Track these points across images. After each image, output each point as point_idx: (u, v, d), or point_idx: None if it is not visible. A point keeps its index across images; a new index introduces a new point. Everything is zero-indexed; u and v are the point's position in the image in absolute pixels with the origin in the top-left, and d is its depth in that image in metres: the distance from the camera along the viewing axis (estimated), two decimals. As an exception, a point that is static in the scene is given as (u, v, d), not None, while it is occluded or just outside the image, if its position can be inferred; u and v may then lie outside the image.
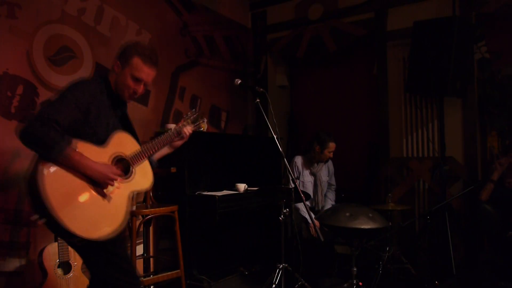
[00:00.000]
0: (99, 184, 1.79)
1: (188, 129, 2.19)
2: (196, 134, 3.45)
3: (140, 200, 3.42)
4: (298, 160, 3.76)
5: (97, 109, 1.83)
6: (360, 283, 2.85)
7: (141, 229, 3.37)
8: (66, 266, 2.66)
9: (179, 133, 2.16)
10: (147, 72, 1.94)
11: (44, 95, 2.83)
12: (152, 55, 1.95)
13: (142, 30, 3.61)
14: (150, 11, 3.69)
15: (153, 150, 2.03)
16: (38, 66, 2.83)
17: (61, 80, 2.94)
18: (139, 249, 3.39)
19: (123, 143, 1.93)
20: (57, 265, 2.63)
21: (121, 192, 1.87)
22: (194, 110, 2.29)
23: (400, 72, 4.04)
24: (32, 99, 2.79)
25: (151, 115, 3.69)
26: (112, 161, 1.87)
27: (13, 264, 2.67)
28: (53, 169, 1.68)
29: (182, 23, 4.04)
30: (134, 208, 3.01)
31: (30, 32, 2.80)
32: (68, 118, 1.72)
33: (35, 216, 1.65)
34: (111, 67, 1.96)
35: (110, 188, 1.83)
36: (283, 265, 2.86)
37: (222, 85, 4.49)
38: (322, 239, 2.44)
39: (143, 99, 3.62)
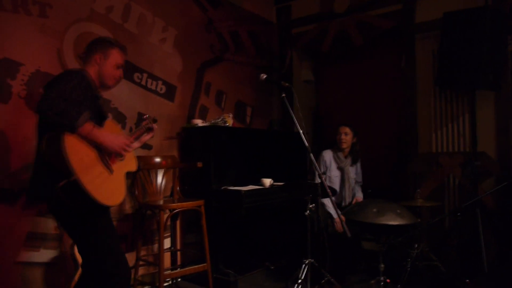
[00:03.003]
0: (106, 159, 1.98)
1: (154, 126, 2.36)
2: (221, 129, 3.53)
3: (167, 194, 3.47)
4: (327, 154, 3.74)
5: (90, 99, 1.99)
6: (388, 280, 2.80)
7: (168, 223, 3.42)
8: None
9: (149, 129, 2.35)
10: (123, 58, 2.22)
11: (75, 92, 2.88)
12: (120, 44, 2.24)
13: (168, 26, 3.64)
14: (176, 7, 3.71)
15: (136, 139, 2.28)
16: (69, 64, 2.89)
17: (91, 77, 2.99)
18: (167, 243, 3.45)
19: (113, 129, 2.14)
20: (88, 257, 2.70)
21: (120, 170, 2.10)
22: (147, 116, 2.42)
23: (430, 65, 3.92)
24: (63, 96, 2.86)
25: (178, 110, 3.72)
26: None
27: (47, 255, 2.76)
28: (74, 139, 1.83)
29: (207, 19, 4.04)
30: (162, 202, 3.05)
31: (60, 31, 2.86)
32: (77, 99, 1.87)
33: (62, 182, 1.77)
34: (87, 62, 2.14)
35: (112, 164, 2.02)
36: (309, 261, 2.85)
37: (248, 80, 4.49)
38: (348, 235, 2.40)
39: (170, 95, 3.66)
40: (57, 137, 1.78)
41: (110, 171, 2.00)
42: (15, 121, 2.63)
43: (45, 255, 2.75)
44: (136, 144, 2.32)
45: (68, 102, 1.79)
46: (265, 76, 2.57)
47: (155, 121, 2.38)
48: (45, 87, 1.88)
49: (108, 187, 1.94)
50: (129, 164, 2.20)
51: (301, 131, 2.45)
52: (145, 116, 2.38)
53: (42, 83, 2.75)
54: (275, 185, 3.49)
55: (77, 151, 1.82)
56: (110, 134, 1.97)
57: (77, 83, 1.90)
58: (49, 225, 2.77)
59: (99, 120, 2.10)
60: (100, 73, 2.13)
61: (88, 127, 1.85)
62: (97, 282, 1.97)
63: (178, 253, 3.58)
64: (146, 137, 2.36)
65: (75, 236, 2.03)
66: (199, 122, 3.64)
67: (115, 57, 2.16)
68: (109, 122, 2.15)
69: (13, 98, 2.62)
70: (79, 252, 2.04)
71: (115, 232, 2.12)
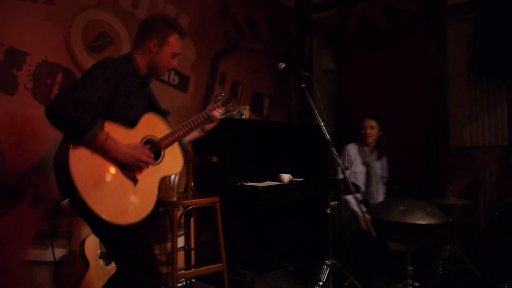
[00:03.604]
0: (130, 168, 1.82)
1: (218, 111, 2.20)
2: (237, 122, 3.49)
3: (180, 190, 3.45)
4: (351, 148, 3.71)
5: (126, 91, 1.84)
6: (417, 284, 2.73)
7: (182, 220, 3.40)
8: (107, 257, 2.72)
9: (209, 116, 2.17)
10: (181, 46, 2.03)
11: (84, 83, 2.87)
12: (182, 29, 2.02)
13: (181, 13, 3.59)
14: (189, -8, 3.68)
15: (183, 133, 2.05)
16: (77, 53, 2.88)
17: (100, 67, 2.97)
18: (180, 241, 3.43)
19: (152, 125, 1.96)
20: (98, 256, 2.70)
21: (152, 177, 1.90)
22: (222, 93, 2.29)
23: (463, 51, 3.79)
24: (72, 87, 2.85)
25: (191, 102, 3.70)
26: (141, 144, 1.90)
27: (56, 254, 2.76)
28: (83, 151, 1.71)
29: (222, 5, 3.99)
30: (175, 199, 3.03)
31: (67, 18, 2.84)
32: (100, 100, 1.73)
33: (65, 201, 1.68)
34: (139, 47, 1.97)
35: (141, 171, 1.86)
36: (331, 262, 2.83)
37: (265, 69, 4.44)
38: (374, 234, 2.35)
39: (183, 86, 3.63)
40: (65, 148, 1.68)
41: (134, 181, 1.84)
42: (22, 114, 2.63)
43: (54, 253, 2.75)
44: (194, 135, 2.20)
45: (83, 109, 1.65)
46: (283, 65, 2.53)
47: (226, 102, 2.21)
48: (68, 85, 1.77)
49: (125, 203, 1.79)
50: (169, 166, 1.99)
51: (322, 124, 2.41)
52: (214, 101, 2.21)
53: (49, 73, 2.76)
54: (294, 181, 3.45)
55: (85, 165, 1.70)
56: (125, 146, 1.79)
57: (105, 81, 1.74)
58: (58, 222, 2.77)
59: (152, 108, 2.00)
60: (152, 62, 1.97)
61: (100, 139, 1.70)
62: None
63: (192, 252, 3.57)
64: (209, 126, 2.21)
65: (104, 243, 1.97)
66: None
67: (172, 45, 1.97)
68: (147, 117, 1.94)
69: (20, 90, 2.62)
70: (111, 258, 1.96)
71: (146, 239, 1.97)
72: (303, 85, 2.47)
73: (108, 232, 1.84)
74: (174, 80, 3.55)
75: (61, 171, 1.69)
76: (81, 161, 1.69)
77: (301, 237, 3.90)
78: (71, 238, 2.82)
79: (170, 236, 3.43)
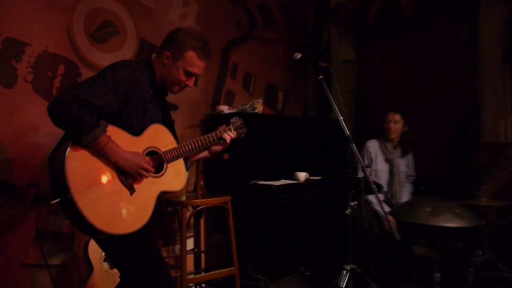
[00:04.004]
0: (128, 176, 1.83)
1: (230, 135, 2.21)
2: (250, 116, 3.46)
3: (190, 189, 3.45)
4: (372, 144, 3.68)
5: (136, 99, 1.84)
6: (445, 292, 2.67)
7: (191, 221, 3.41)
8: (112, 260, 2.72)
9: (219, 138, 2.18)
10: (201, 66, 1.99)
11: (87, 75, 2.87)
12: (206, 48, 1.98)
13: (189, 0, 3.58)
14: (198, -22, 3.65)
15: (190, 149, 2.05)
16: (79, 43, 2.87)
17: (103, 58, 2.98)
18: (190, 243, 3.44)
19: (158, 137, 1.96)
20: (103, 259, 2.71)
21: (150, 189, 1.90)
22: (237, 117, 2.34)
23: (497, 37, 3.70)
24: (74, 80, 2.85)
25: (201, 95, 3.68)
26: (144, 153, 1.90)
27: (59, 256, 2.78)
28: (82, 151, 1.72)
29: (233, -9, 3.98)
30: (184, 198, 3.03)
31: (69, 6, 2.84)
32: (105, 105, 1.74)
33: (55, 200, 1.69)
34: (157, 56, 1.98)
35: (140, 182, 1.86)
36: (350, 267, 2.80)
37: (279, 60, 4.42)
38: (397, 237, 2.30)
39: (192, 78, 3.61)
40: (64, 147, 1.69)
41: (131, 190, 1.84)
42: (21, 108, 2.64)
43: (56, 256, 2.77)
44: (201, 155, 2.19)
45: (86, 110, 1.66)
46: (299, 55, 2.49)
47: (239, 127, 2.27)
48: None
49: (117, 211, 1.77)
50: (170, 181, 1.97)
51: (341, 118, 2.37)
52: (229, 125, 2.24)
53: (50, 65, 2.76)
54: (311, 179, 3.44)
55: (81, 166, 1.70)
56: (126, 151, 1.80)
57: (113, 87, 1.75)
58: (60, 223, 2.78)
59: (164, 122, 2.02)
60: (164, 74, 1.96)
61: (101, 142, 1.71)
62: None
63: (202, 255, 3.57)
64: (216, 148, 2.19)
65: (105, 249, 1.97)
66: (225, 109, 3.62)
67: (187, 62, 1.94)
68: (154, 128, 1.95)
69: (19, 83, 2.63)
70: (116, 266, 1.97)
71: (152, 241, 1.97)
72: (321, 76, 2.42)
73: (106, 240, 1.83)
74: (182, 72, 3.53)
75: (55, 168, 1.69)
76: (78, 161, 1.70)
77: (319, 240, 3.88)
78: (73, 240, 2.83)
79: (178, 238, 3.43)
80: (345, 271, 2.79)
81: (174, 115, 3.45)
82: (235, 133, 2.25)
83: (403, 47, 4.68)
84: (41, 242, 2.66)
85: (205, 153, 2.23)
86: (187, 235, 3.30)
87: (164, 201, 3.04)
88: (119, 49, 3.09)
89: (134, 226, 1.80)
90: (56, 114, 1.65)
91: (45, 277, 2.70)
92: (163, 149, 1.96)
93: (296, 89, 4.63)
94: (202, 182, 3.37)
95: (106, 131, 1.73)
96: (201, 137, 2.11)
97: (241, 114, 3.43)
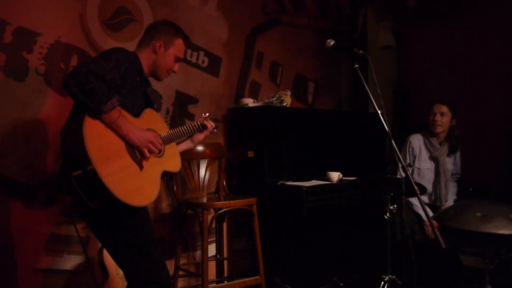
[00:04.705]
0: (137, 152, 2.03)
1: (210, 123, 2.49)
2: (277, 110, 3.47)
3: (211, 190, 3.48)
4: (415, 140, 3.63)
5: (131, 82, 2.06)
6: (497, 308, 2.62)
7: (213, 225, 3.43)
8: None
9: (203, 126, 2.47)
10: (184, 52, 2.36)
11: (101, 66, 2.93)
12: (186, 35, 2.34)
13: (211, -17, 3.61)
14: (219, -41, 3.68)
15: (183, 132, 2.36)
16: (93, 32, 2.94)
17: (119, 48, 3.02)
18: (211, 249, 3.47)
19: (154, 120, 2.22)
20: (118, 265, 2.75)
21: (155, 167, 2.11)
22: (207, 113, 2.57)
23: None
24: (87, 72, 2.91)
25: (223, 88, 3.71)
26: None
27: (71, 262, 2.85)
28: (98, 123, 1.89)
29: (259, -28, 3.99)
30: (205, 200, 3.05)
31: (83, -8, 2.92)
32: (112, 81, 1.93)
33: (77, 172, 1.80)
34: (143, 47, 2.22)
35: (147, 159, 2.06)
36: (389, 277, 2.76)
37: (309, 48, 4.40)
38: (443, 245, 2.27)
39: (214, 69, 3.64)
40: (80, 120, 1.84)
41: (140, 166, 2.03)
42: (33, 103, 2.71)
43: (69, 261, 2.85)
44: (185, 145, 2.50)
45: (101, 82, 1.84)
46: (332, 42, 2.49)
47: (215, 120, 2.51)
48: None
49: (133, 184, 1.96)
50: (170, 162, 2.22)
51: (379, 112, 2.34)
52: (204, 115, 2.51)
53: (63, 55, 2.82)
54: (344, 180, 3.43)
55: (98, 137, 1.86)
56: (137, 127, 2.01)
57: (116, 65, 1.96)
58: (73, 226, 2.84)
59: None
60: (155, 63, 2.24)
61: (114, 115, 1.90)
62: None
63: (225, 262, 3.60)
64: (199, 136, 2.49)
65: (104, 241, 2.09)
66: (249, 102, 3.63)
67: (177, 49, 2.27)
68: (149, 112, 2.21)
69: (30, 75, 2.71)
70: (114, 260, 2.11)
71: (151, 235, 2.12)
72: (356, 65, 2.41)
73: (106, 225, 1.99)
74: (203, 62, 3.57)
75: (71, 141, 1.84)
76: (96, 132, 1.86)
77: (353, 247, 3.86)
78: (87, 244, 2.90)
79: (199, 243, 3.47)
80: (383, 282, 2.75)
81: (194, 109, 3.49)
82: (213, 124, 2.52)
83: (451, 32, 4.57)
84: (54, 246, 2.75)
85: (188, 144, 2.53)
86: (209, 240, 3.33)
87: (184, 203, 3.08)
88: (135, 38, 3.10)
89: (148, 200, 2.00)
90: (75, 85, 1.79)
91: (57, 283, 2.78)
92: (159, 132, 2.20)
93: (328, 80, 4.61)
94: (224, 183, 3.39)
95: (119, 104, 1.92)
96: (186, 124, 2.42)
97: (267, 108, 3.45)
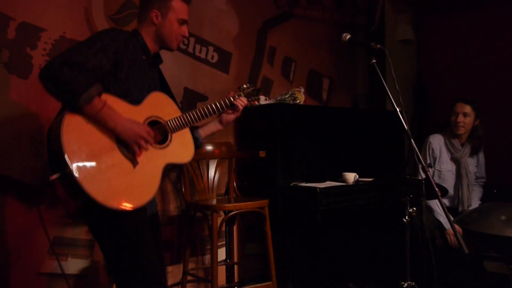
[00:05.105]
0: (128, 146, 1.92)
1: (242, 100, 2.32)
2: (290, 108, 3.47)
3: (221, 192, 3.49)
4: (436, 140, 3.62)
5: (130, 63, 1.97)
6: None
7: (223, 228, 3.44)
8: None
9: (231, 104, 2.30)
10: (187, 11, 2.20)
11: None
12: None
13: (221, -25, 3.63)
14: (229, -51, 3.70)
15: (196, 116, 2.18)
16: (98, 27, 2.97)
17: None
18: (221, 253, 3.48)
19: (160, 105, 2.09)
20: (125, 269, 2.78)
21: (154, 162, 1.99)
22: (248, 83, 2.45)
23: None
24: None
25: (234, 84, 3.72)
26: (145, 123, 2.00)
27: (76, 265, 2.88)
28: (78, 120, 1.81)
29: (271, -37, 4.00)
30: (215, 202, 3.06)
31: (87, -14, 2.94)
32: (97, 67, 1.85)
33: (55, 175, 1.77)
34: (141, 21, 2.14)
35: (142, 153, 1.95)
36: (408, 284, 2.75)
37: (324, 43, 4.42)
38: (466, 251, 2.27)
39: (224, 65, 3.66)
40: (60, 117, 1.80)
41: (133, 162, 1.93)
42: (37, 101, 2.74)
43: (74, 265, 2.88)
44: (212, 127, 2.35)
45: (76, 71, 1.77)
46: (348, 36, 2.49)
47: (254, 92, 2.37)
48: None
49: (121, 184, 1.87)
50: (177, 152, 2.10)
51: (397, 109, 2.34)
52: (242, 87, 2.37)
53: (67, 52, 2.85)
54: (361, 181, 3.44)
55: (79, 135, 1.80)
56: (128, 119, 1.90)
57: (102, 48, 1.88)
58: (79, 229, 2.88)
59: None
60: (158, 34, 2.13)
61: (96, 106, 1.81)
62: None
63: (235, 267, 3.61)
64: (229, 117, 2.34)
65: (99, 243, 2.03)
66: (261, 99, 3.62)
67: (176, 11, 2.14)
68: (155, 96, 2.09)
69: (34, 72, 2.74)
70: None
71: (145, 238, 2.01)
72: (373, 60, 2.41)
73: (102, 225, 1.93)
74: (213, 57, 3.58)
75: (51, 141, 1.80)
76: (75, 131, 1.78)
77: (370, 252, 3.86)
78: (93, 247, 2.93)
79: (208, 247, 3.49)
80: (401, 289, 2.77)
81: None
82: (246, 99, 2.36)
83: (474, 24, 4.56)
84: (58, 249, 2.78)
85: (217, 126, 2.37)
86: (218, 244, 3.34)
87: (192, 205, 3.09)
88: (142, 33, 3.17)
89: (139, 201, 1.89)
90: (47, 78, 1.75)
91: (62, 287, 2.82)
92: (166, 118, 2.08)
93: (344, 76, 4.61)
94: (235, 184, 3.40)
95: (102, 92, 1.84)
96: (209, 104, 2.24)
97: (280, 105, 3.46)
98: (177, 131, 2.11)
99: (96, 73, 1.85)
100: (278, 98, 3.61)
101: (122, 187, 1.86)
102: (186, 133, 2.17)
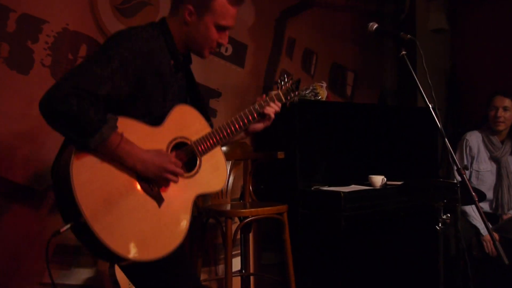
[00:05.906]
0: (152, 183, 1.76)
1: (273, 107, 2.07)
2: (311, 104, 3.47)
3: (236, 196, 3.50)
4: (473, 138, 3.61)
5: (153, 77, 1.77)
6: None
7: (238, 236, 3.45)
8: (143, 282, 2.83)
9: (260, 114, 2.05)
10: (234, 16, 1.90)
11: (112, 56, 3.00)
12: None
13: (235, -40, 3.63)
14: None
15: (227, 134, 1.96)
16: (104, 18, 3.01)
17: (132, 36, 3.09)
18: (236, 263, 3.48)
19: (186, 122, 1.89)
20: (132, 280, 2.81)
21: (183, 195, 1.83)
22: (285, 75, 2.22)
23: None
24: (97, 63, 2.98)
25: (249, 79, 3.74)
26: (169, 148, 1.82)
27: (80, 275, 2.92)
28: (90, 159, 1.64)
29: None
30: (229, 207, 3.08)
31: (92, -27, 2.98)
32: (113, 92, 1.66)
33: (65, 227, 1.63)
34: (173, 14, 1.89)
35: (168, 187, 1.79)
36: None
37: (348, 33, 4.41)
38: (506, 261, 2.24)
39: (238, 58, 3.67)
40: (67, 154, 1.64)
41: (158, 200, 1.77)
42: (38, 98, 2.75)
43: (78, 274, 2.92)
44: (237, 137, 2.10)
45: (89, 103, 1.57)
46: (375, 26, 2.47)
47: (293, 88, 2.14)
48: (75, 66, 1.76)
49: (143, 231, 1.71)
50: (207, 179, 1.91)
51: (430, 106, 2.32)
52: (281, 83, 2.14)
53: (71, 45, 2.90)
54: (389, 184, 3.43)
55: (91, 179, 1.63)
56: (145, 151, 1.72)
57: (121, 66, 1.66)
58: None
59: (191, 98, 2.00)
60: (189, 36, 1.88)
61: (112, 142, 1.63)
62: None
63: (252, 278, 3.62)
64: (256, 126, 2.08)
65: (129, 276, 1.97)
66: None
67: (216, 14, 1.84)
68: (179, 110, 1.87)
69: (36, 67, 2.78)
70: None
71: (184, 267, 1.94)
72: (403, 52, 2.38)
73: (130, 267, 1.83)
74: (226, 50, 3.60)
75: (60, 186, 1.65)
76: (87, 172, 1.62)
77: (399, 262, 3.81)
78: (98, 255, 2.96)
79: (222, 256, 3.51)
80: (435, 302, 2.76)
81: (216, 104, 3.52)
82: (279, 104, 2.10)
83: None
84: (61, 258, 2.82)
85: (240, 134, 2.12)
86: (233, 253, 3.35)
87: (205, 210, 3.09)
88: (150, 24, 3.19)
89: (168, 247, 1.74)
90: (51, 112, 1.57)
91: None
92: (193, 138, 1.87)
93: (370, 70, 4.61)
94: (251, 187, 3.39)
95: (116, 127, 1.65)
96: (238, 116, 2.00)
97: (300, 102, 3.45)
98: (207, 153, 1.91)
99: (112, 98, 1.67)
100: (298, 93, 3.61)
101: (147, 234, 1.71)
102: (216, 154, 1.96)
